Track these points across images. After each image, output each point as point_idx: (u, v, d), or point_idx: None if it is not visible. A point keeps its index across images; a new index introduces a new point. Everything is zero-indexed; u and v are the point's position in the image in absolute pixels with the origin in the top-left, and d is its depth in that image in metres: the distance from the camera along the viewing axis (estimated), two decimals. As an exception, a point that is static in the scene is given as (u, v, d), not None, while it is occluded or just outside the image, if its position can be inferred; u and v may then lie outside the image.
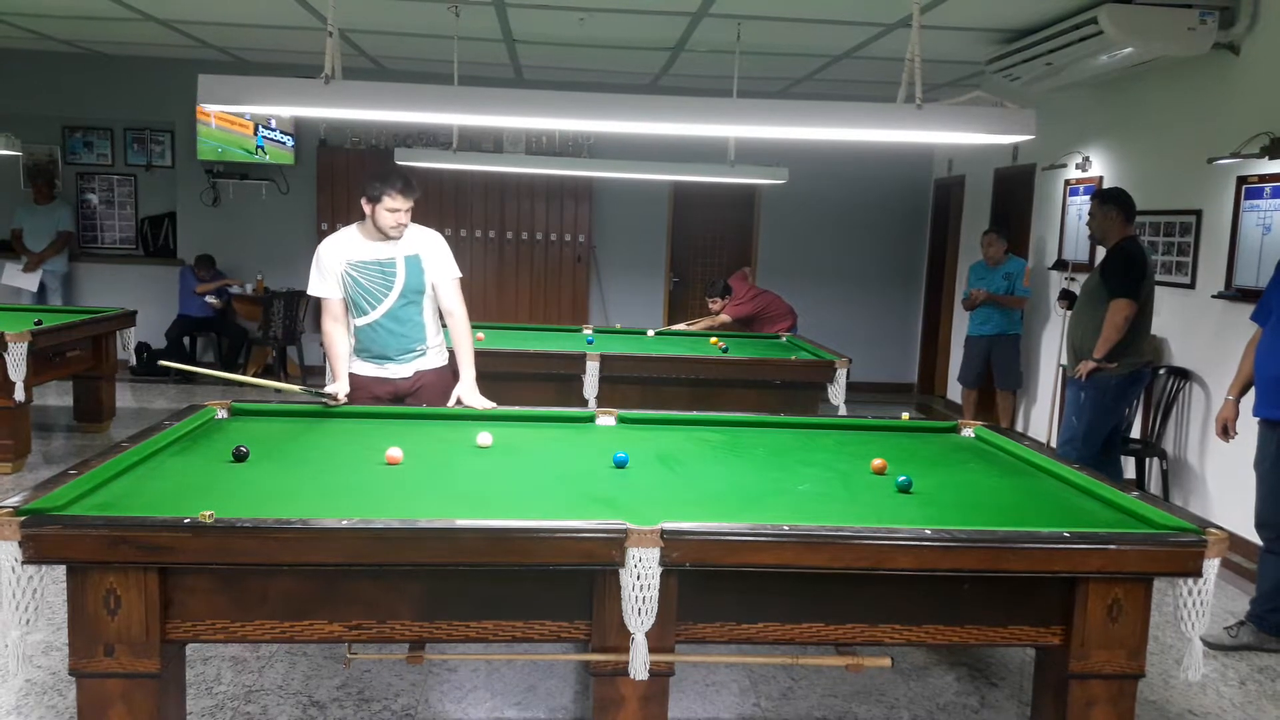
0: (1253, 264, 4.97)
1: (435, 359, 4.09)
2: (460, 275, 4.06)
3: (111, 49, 8.44)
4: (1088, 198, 5.56)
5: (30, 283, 8.76)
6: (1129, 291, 4.76)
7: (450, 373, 4.08)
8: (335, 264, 3.88)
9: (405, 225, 3.84)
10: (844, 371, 5.40)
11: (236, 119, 8.85)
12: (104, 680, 2.36)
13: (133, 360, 8.76)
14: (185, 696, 2.69)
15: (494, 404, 3.87)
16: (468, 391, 3.92)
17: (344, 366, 3.93)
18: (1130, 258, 4.81)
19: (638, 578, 2.34)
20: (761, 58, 7.17)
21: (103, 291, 9.09)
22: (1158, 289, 5.06)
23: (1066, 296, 6.18)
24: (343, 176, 8.97)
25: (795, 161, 6.91)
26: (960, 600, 2.55)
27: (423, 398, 3.99)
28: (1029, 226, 7.52)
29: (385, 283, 3.88)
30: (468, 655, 3.40)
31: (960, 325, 8.18)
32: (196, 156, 8.90)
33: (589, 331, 6.54)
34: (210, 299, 8.76)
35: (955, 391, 8.36)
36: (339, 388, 3.82)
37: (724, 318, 7.22)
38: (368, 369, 4.00)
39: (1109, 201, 4.96)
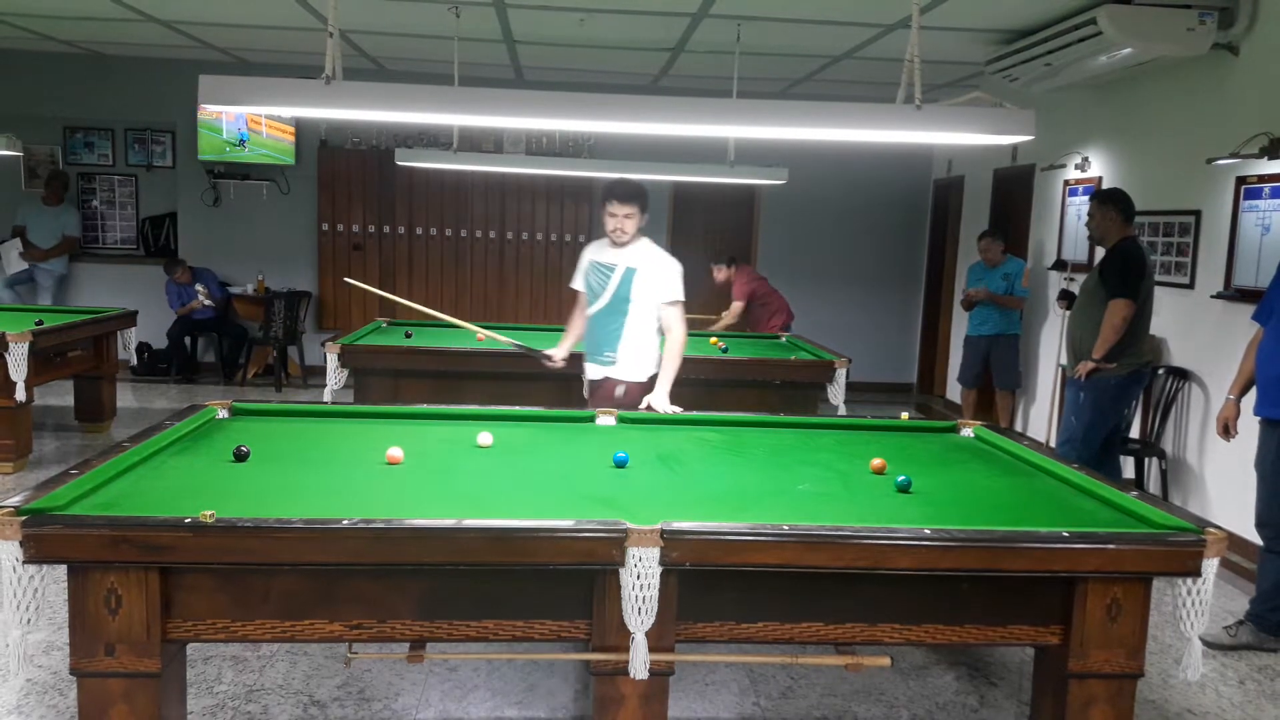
0: (1252, 264, 4.97)
1: (624, 372, 4.25)
2: (678, 299, 4.23)
3: (112, 49, 8.45)
4: (1087, 198, 5.56)
5: (14, 264, 8.66)
6: (1128, 292, 4.76)
7: (636, 389, 4.20)
8: (585, 261, 4.39)
9: (624, 232, 4.17)
10: (844, 371, 5.41)
11: (283, 126, 8.86)
12: (105, 680, 2.37)
13: (133, 360, 8.76)
14: (186, 696, 2.70)
15: (679, 409, 3.99)
16: (657, 396, 4.10)
17: (569, 342, 4.51)
18: (1129, 258, 4.81)
19: (638, 577, 2.35)
20: (761, 58, 7.18)
21: (103, 292, 9.07)
22: (1157, 289, 5.06)
23: (1066, 297, 6.19)
24: (343, 177, 8.97)
25: (795, 161, 6.92)
26: (960, 600, 2.56)
27: (593, 399, 4.31)
28: (1028, 227, 7.51)
29: (603, 284, 4.25)
30: (468, 655, 3.40)
31: (960, 325, 8.18)
32: (197, 156, 8.90)
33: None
34: (204, 301, 8.71)
35: (954, 391, 8.36)
36: (557, 352, 4.45)
37: (736, 304, 7.28)
38: (586, 363, 4.41)
39: (1108, 202, 4.97)
